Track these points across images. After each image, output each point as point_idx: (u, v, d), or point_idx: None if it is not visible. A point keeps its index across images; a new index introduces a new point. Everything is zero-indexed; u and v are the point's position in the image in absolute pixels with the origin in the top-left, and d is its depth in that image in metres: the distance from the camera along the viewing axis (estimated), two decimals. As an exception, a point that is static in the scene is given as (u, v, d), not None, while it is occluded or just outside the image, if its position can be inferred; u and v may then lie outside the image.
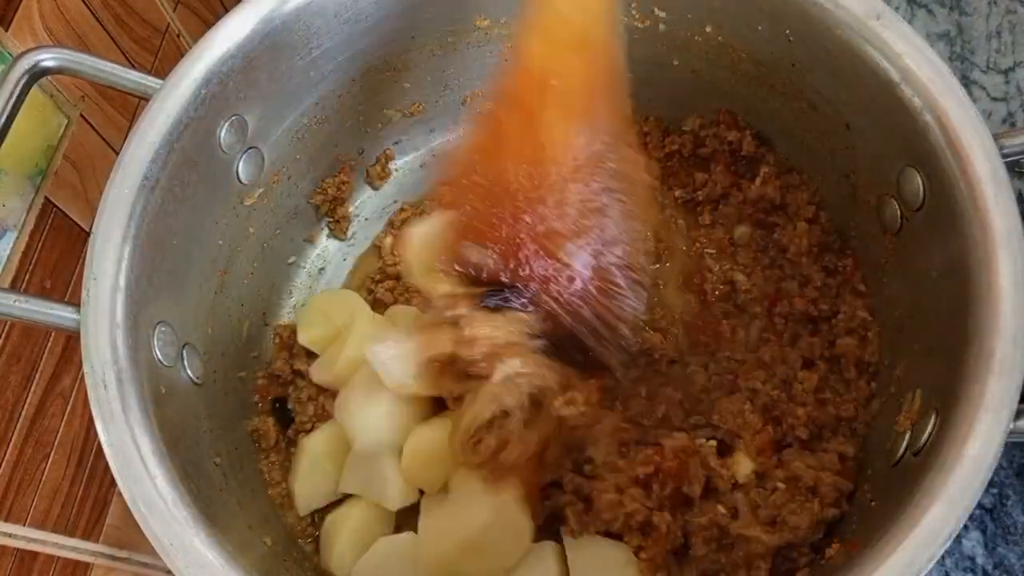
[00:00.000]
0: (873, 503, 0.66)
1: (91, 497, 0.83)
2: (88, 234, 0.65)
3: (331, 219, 0.91)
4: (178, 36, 0.97)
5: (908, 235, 0.70)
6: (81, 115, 0.81)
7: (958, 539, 0.73)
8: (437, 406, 0.77)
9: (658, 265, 0.86)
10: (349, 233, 0.92)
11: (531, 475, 0.70)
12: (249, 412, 0.82)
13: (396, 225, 0.91)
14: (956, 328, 0.59)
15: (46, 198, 0.76)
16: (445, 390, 0.72)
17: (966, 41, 0.93)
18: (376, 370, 0.71)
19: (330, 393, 0.81)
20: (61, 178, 0.78)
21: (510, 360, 0.65)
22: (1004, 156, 0.61)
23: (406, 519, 0.76)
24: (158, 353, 0.65)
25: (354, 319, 0.80)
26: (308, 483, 0.78)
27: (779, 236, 0.83)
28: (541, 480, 0.72)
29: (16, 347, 0.73)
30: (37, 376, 0.76)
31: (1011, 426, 0.54)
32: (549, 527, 0.71)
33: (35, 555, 0.75)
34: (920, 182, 0.66)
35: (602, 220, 0.65)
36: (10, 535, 0.73)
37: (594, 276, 0.65)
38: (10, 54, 0.70)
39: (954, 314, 0.60)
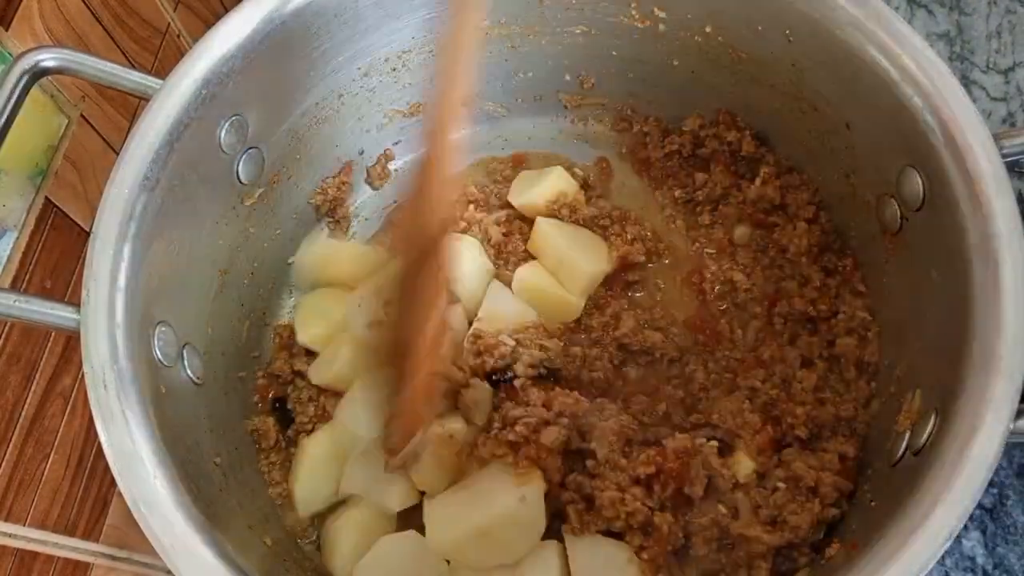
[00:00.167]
0: (873, 503, 0.66)
1: (91, 497, 0.83)
2: (88, 234, 0.65)
3: (331, 219, 0.91)
4: (178, 36, 0.97)
5: (908, 235, 0.70)
6: (81, 115, 0.81)
7: (958, 539, 0.73)
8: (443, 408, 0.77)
9: (653, 264, 0.87)
10: (349, 233, 0.92)
11: (555, 473, 0.70)
12: (249, 412, 0.82)
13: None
14: (956, 328, 0.59)
15: (46, 198, 0.76)
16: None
17: (966, 41, 0.93)
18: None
19: (330, 393, 0.81)
20: (61, 178, 0.78)
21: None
22: (1004, 156, 0.61)
23: (406, 523, 0.76)
24: (158, 353, 0.65)
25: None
26: (309, 486, 0.78)
27: (779, 236, 0.83)
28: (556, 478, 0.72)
29: (16, 347, 0.73)
30: (37, 376, 0.76)
31: (1011, 426, 0.54)
32: (550, 526, 0.71)
33: (35, 555, 0.75)
34: (920, 182, 0.66)
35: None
36: (10, 535, 0.73)
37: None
38: (10, 54, 0.70)
39: (954, 314, 0.60)
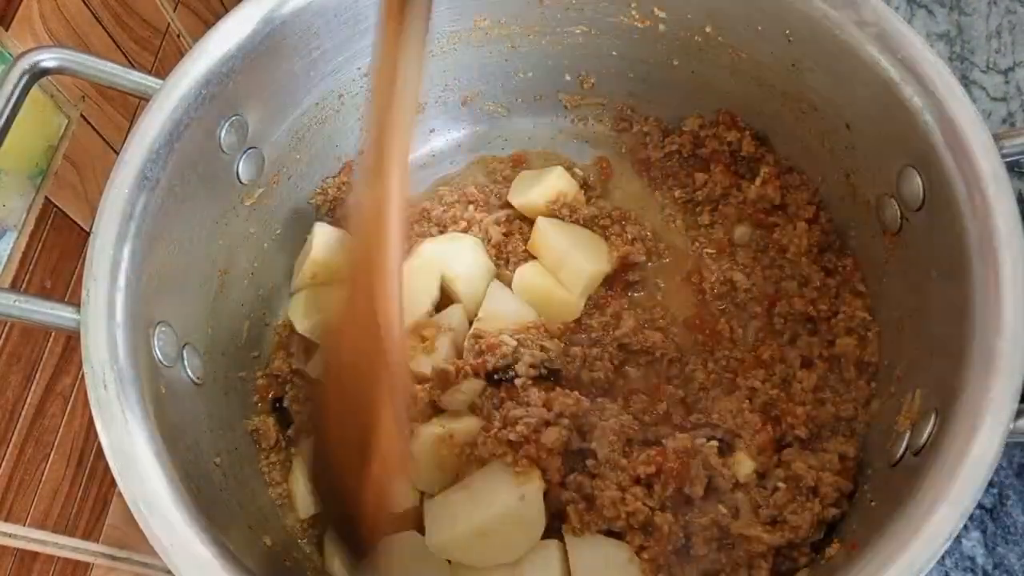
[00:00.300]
0: (873, 503, 0.66)
1: (91, 497, 0.83)
2: (88, 234, 0.65)
3: (331, 219, 0.91)
4: (178, 36, 0.97)
5: (908, 235, 0.70)
6: (81, 115, 0.81)
7: (958, 539, 0.73)
8: (436, 408, 0.77)
9: (653, 264, 0.87)
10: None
11: (555, 473, 0.70)
12: (249, 412, 0.82)
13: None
14: (956, 328, 0.59)
15: (46, 198, 0.76)
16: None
17: (966, 41, 0.93)
18: None
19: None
20: (61, 178, 0.78)
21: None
22: (1004, 156, 0.61)
23: (407, 523, 0.76)
24: (158, 353, 0.65)
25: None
26: (309, 486, 0.77)
27: (779, 236, 0.83)
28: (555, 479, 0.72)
29: (16, 347, 0.73)
30: (37, 376, 0.76)
31: (1011, 426, 0.54)
32: (551, 525, 0.71)
33: (35, 555, 0.75)
34: (920, 182, 0.66)
35: None
36: (10, 535, 0.73)
37: None
38: (10, 54, 0.70)
39: (954, 314, 0.60)
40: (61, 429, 0.79)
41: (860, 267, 0.79)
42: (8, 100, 0.64)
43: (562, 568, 0.70)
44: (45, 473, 0.77)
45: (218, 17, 0.70)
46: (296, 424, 0.82)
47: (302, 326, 0.83)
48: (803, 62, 0.74)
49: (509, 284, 0.84)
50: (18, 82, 0.64)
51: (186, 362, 0.70)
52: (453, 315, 0.82)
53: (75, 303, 0.62)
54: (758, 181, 0.83)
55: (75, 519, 0.81)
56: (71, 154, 0.79)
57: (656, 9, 0.80)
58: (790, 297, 0.80)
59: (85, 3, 0.81)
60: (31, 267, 0.75)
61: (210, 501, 0.63)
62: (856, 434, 0.73)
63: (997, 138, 0.61)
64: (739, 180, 0.86)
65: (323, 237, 0.85)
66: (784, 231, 0.82)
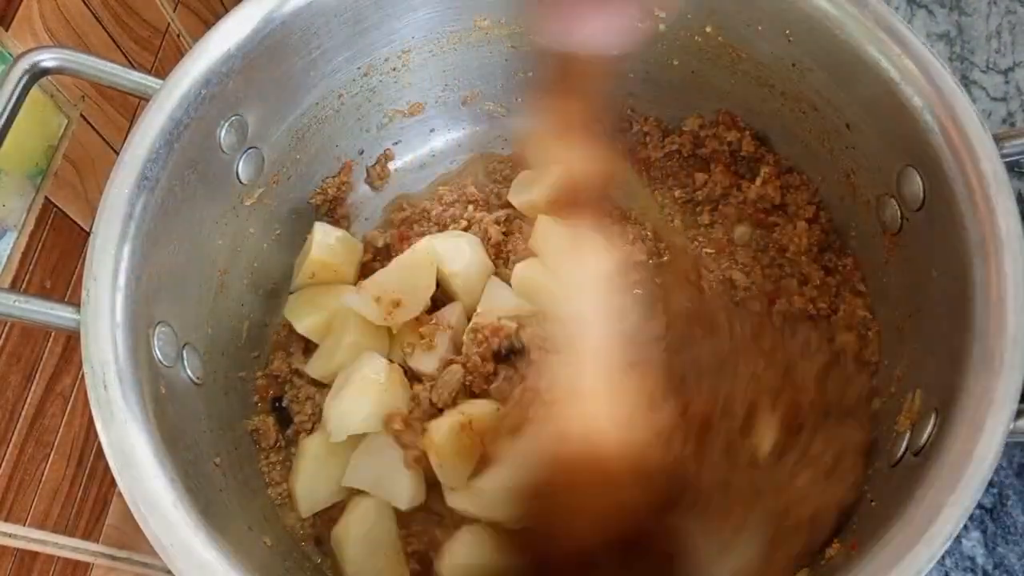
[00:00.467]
0: (873, 503, 0.66)
1: (91, 497, 0.83)
2: (88, 234, 0.65)
3: (331, 219, 0.91)
4: (178, 36, 0.97)
5: (908, 235, 0.70)
6: (81, 115, 0.81)
7: (958, 539, 0.73)
8: (435, 407, 0.77)
9: (651, 261, 0.86)
10: (349, 233, 0.92)
11: None
12: (249, 412, 0.82)
13: (395, 224, 0.91)
14: (956, 328, 0.59)
15: (46, 198, 0.76)
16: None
17: (966, 41, 0.93)
18: None
19: (329, 391, 0.81)
20: (61, 178, 0.78)
21: None
22: (1004, 156, 0.61)
23: (406, 523, 0.76)
24: (158, 353, 0.65)
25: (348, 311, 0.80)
26: (309, 485, 0.77)
27: (779, 236, 0.83)
28: None
29: (16, 347, 0.73)
30: (37, 376, 0.76)
31: (1011, 426, 0.54)
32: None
33: (35, 555, 0.75)
34: (920, 182, 0.66)
35: None
36: (10, 535, 0.73)
37: None
38: (10, 54, 0.70)
39: (954, 314, 0.60)
40: (61, 429, 0.79)
41: (860, 267, 0.79)
42: (8, 100, 0.64)
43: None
44: (45, 473, 0.77)
45: (218, 17, 0.70)
46: (296, 424, 0.82)
47: (302, 326, 0.83)
48: (803, 62, 0.74)
49: (508, 283, 0.84)
50: (18, 82, 0.64)
51: (186, 362, 0.70)
52: (452, 312, 0.82)
53: (75, 303, 0.62)
54: (758, 181, 0.83)
55: (75, 519, 0.81)
56: (71, 154, 0.79)
57: (656, 9, 0.80)
58: (790, 295, 0.80)
59: (85, 3, 0.81)
60: (31, 267, 0.75)
61: (210, 501, 0.63)
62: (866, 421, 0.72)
63: (997, 138, 0.61)
64: (739, 180, 0.86)
65: (323, 237, 0.85)
66: (784, 231, 0.82)
